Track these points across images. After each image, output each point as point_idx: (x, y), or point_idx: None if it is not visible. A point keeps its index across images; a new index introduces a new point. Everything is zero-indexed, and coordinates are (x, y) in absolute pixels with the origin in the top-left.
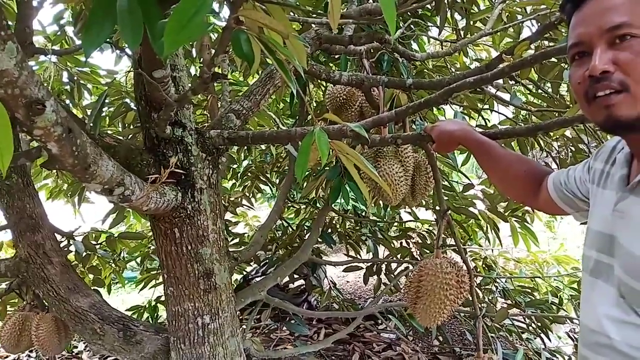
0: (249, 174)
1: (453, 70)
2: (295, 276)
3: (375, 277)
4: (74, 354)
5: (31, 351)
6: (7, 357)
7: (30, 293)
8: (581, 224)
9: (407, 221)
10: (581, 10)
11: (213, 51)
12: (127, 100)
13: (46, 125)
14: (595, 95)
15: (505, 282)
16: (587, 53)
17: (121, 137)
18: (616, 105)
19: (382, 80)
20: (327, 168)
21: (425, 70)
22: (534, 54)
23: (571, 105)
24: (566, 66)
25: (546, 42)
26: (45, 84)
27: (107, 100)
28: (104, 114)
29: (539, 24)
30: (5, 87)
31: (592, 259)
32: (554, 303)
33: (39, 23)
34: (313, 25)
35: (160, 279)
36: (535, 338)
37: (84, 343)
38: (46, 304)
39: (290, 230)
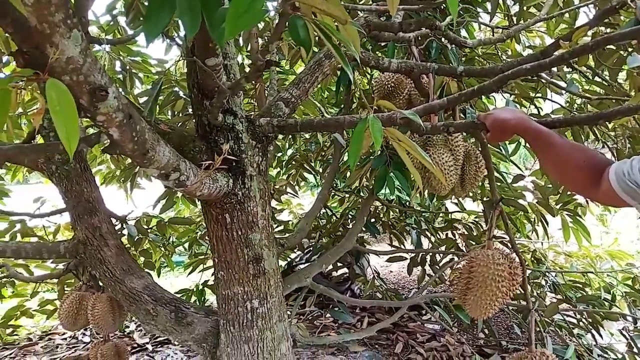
0: (294, 162)
1: (504, 57)
2: (339, 265)
3: (419, 267)
4: (126, 333)
5: (86, 329)
6: (64, 333)
7: (87, 274)
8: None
9: (453, 212)
10: None
11: (260, 40)
12: (177, 88)
13: (108, 111)
14: None
15: (555, 276)
16: None
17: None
18: None
19: (432, 68)
20: (372, 157)
21: (475, 57)
22: (596, 39)
23: (632, 94)
24: (625, 54)
25: (602, 29)
26: (107, 72)
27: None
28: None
29: (597, 9)
30: (70, 73)
31: None
32: (607, 299)
33: (92, 13)
34: (360, 13)
35: (208, 264)
36: (586, 334)
37: (135, 323)
38: (102, 284)
39: (334, 218)
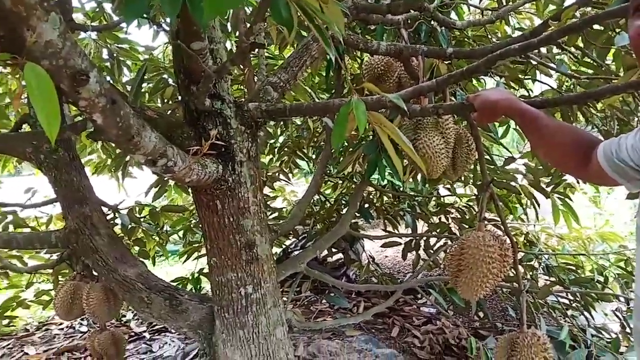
0: (286, 149)
1: (494, 40)
2: (334, 250)
3: (414, 252)
4: (122, 322)
5: (83, 319)
6: (61, 323)
7: (80, 263)
8: (628, 197)
9: (445, 196)
10: None
11: (249, 25)
12: (165, 75)
13: (90, 96)
14: None
15: (548, 259)
16: None
17: (161, 111)
18: None
19: (421, 50)
20: (364, 142)
21: (464, 40)
22: (584, 17)
23: (620, 74)
24: (613, 35)
25: (589, 9)
26: (87, 56)
27: (146, 75)
28: (143, 89)
29: None
30: (49, 57)
31: None
32: (599, 281)
33: (77, 0)
34: None
35: (203, 251)
36: (579, 315)
37: (132, 312)
38: (95, 273)
39: (328, 204)
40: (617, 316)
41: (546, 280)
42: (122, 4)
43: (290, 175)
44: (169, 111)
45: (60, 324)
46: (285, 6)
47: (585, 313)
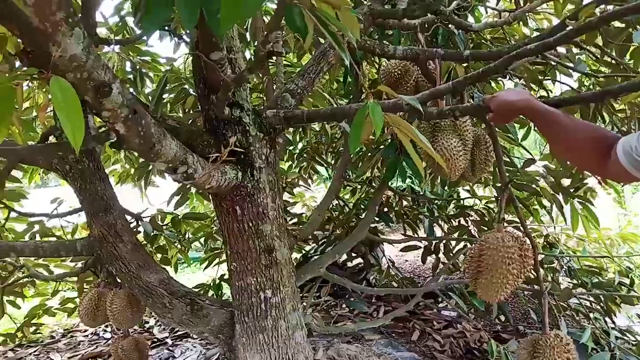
0: (305, 155)
1: (512, 42)
2: (353, 255)
3: (434, 256)
4: (145, 328)
5: (107, 326)
6: (85, 330)
7: (104, 271)
8: None
9: (465, 198)
10: None
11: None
12: (186, 86)
13: (113, 107)
14: None
15: (569, 261)
16: None
17: (182, 121)
18: None
19: (438, 53)
20: (382, 147)
21: (482, 42)
22: (600, 15)
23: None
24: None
25: (610, 7)
26: (110, 69)
27: (167, 86)
28: (165, 100)
29: None
30: (74, 71)
31: None
32: (623, 284)
33: (101, 15)
34: (365, 1)
35: (224, 257)
36: (603, 318)
37: (154, 318)
38: (119, 280)
39: (347, 209)
40: None
41: (569, 283)
42: (143, 14)
43: (309, 181)
44: (190, 120)
45: (85, 330)
46: (299, 14)
47: (610, 315)
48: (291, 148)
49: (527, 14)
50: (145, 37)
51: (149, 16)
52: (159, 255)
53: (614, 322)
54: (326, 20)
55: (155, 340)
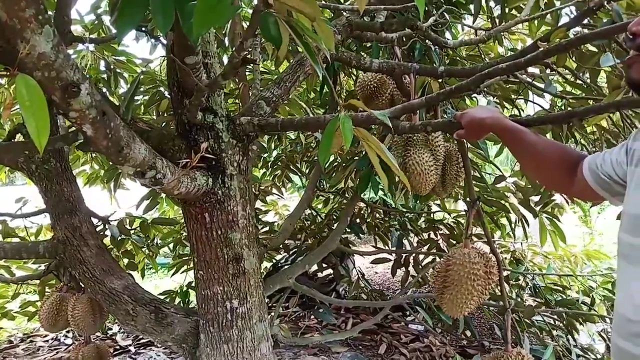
0: (279, 163)
1: (487, 59)
2: (324, 265)
3: (404, 269)
4: (108, 335)
5: (68, 331)
6: (46, 335)
7: (67, 274)
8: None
9: (435, 212)
10: None
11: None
12: (162, 88)
13: (81, 108)
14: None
15: (533, 278)
16: None
17: (154, 124)
18: (633, 67)
19: (413, 68)
20: (357, 158)
21: (458, 59)
22: (569, 38)
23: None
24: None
25: (585, 30)
26: (80, 68)
27: (141, 88)
28: (139, 102)
29: (578, 11)
30: (42, 69)
31: (628, 244)
32: (585, 303)
33: (77, 12)
34: (344, 13)
35: (192, 265)
36: (565, 335)
37: (118, 325)
38: (82, 285)
39: (319, 219)
40: (602, 337)
41: (533, 300)
42: (117, 15)
43: (283, 189)
44: (164, 123)
45: (45, 335)
46: (274, 24)
47: (573, 332)
48: (265, 155)
49: (502, 33)
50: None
51: (122, 17)
52: (126, 260)
53: (575, 340)
54: (301, 31)
55: (118, 347)
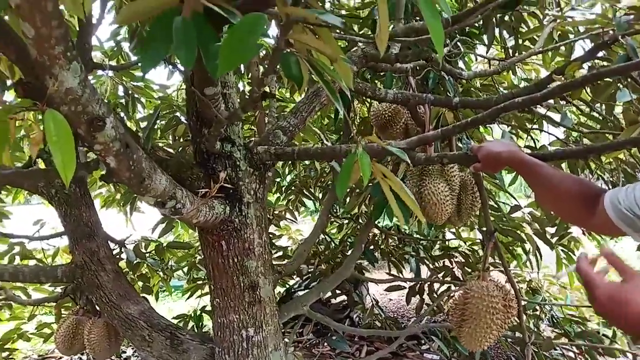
0: (293, 188)
1: (500, 89)
2: (338, 292)
3: (418, 296)
4: (122, 358)
5: (82, 354)
6: (60, 358)
7: (84, 298)
8: (639, 248)
9: (450, 239)
10: None
11: (261, 68)
12: (178, 114)
13: (106, 141)
14: None
15: (551, 309)
16: None
17: (172, 150)
18: None
19: (428, 99)
20: (371, 184)
21: (471, 88)
22: (586, 74)
23: (625, 128)
24: (621, 86)
25: (599, 62)
26: (105, 101)
27: (159, 117)
28: (156, 127)
29: (592, 44)
30: (69, 104)
31: None
32: (606, 335)
33: (97, 39)
34: (359, 44)
35: (206, 289)
36: None
37: (132, 349)
38: (98, 309)
39: (333, 245)
40: None
41: (552, 331)
42: (141, 50)
43: (296, 213)
44: (180, 148)
45: (60, 358)
46: (295, 63)
47: None
48: (279, 180)
49: (516, 64)
50: (139, 65)
51: (147, 53)
52: (140, 283)
53: None
54: (321, 69)
55: None
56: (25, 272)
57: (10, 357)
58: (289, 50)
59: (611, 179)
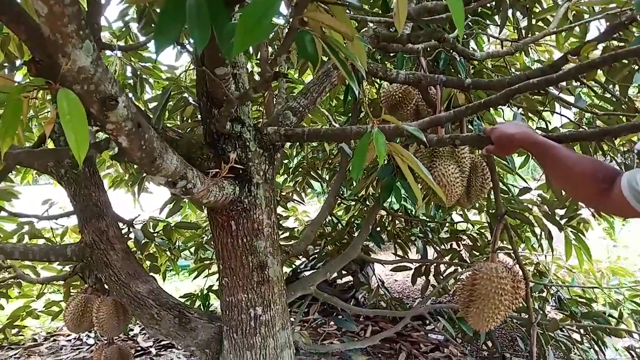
0: (301, 169)
1: (512, 70)
2: (344, 272)
3: (424, 277)
4: (129, 336)
5: (91, 331)
6: (69, 335)
7: (93, 277)
8: None
9: (457, 222)
10: None
11: (270, 49)
12: (186, 95)
13: (118, 120)
14: None
15: (558, 290)
16: None
17: (181, 131)
18: None
19: (439, 79)
20: (379, 166)
21: (483, 69)
22: (603, 55)
23: None
24: (637, 67)
25: (615, 43)
26: (117, 81)
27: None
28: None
29: (608, 24)
30: (81, 83)
31: None
32: (613, 316)
33: (105, 19)
34: (370, 24)
35: (213, 269)
36: (590, 349)
37: (139, 327)
38: (107, 287)
39: (340, 226)
40: (630, 353)
41: (558, 312)
42: (154, 30)
43: (303, 195)
44: (188, 129)
45: (68, 335)
46: (310, 41)
47: (596, 347)
48: (287, 162)
49: (529, 45)
50: (148, 45)
51: (161, 33)
52: (148, 263)
53: (604, 354)
54: (336, 47)
55: (139, 349)
56: (35, 251)
57: (20, 333)
58: (303, 29)
59: (624, 161)
